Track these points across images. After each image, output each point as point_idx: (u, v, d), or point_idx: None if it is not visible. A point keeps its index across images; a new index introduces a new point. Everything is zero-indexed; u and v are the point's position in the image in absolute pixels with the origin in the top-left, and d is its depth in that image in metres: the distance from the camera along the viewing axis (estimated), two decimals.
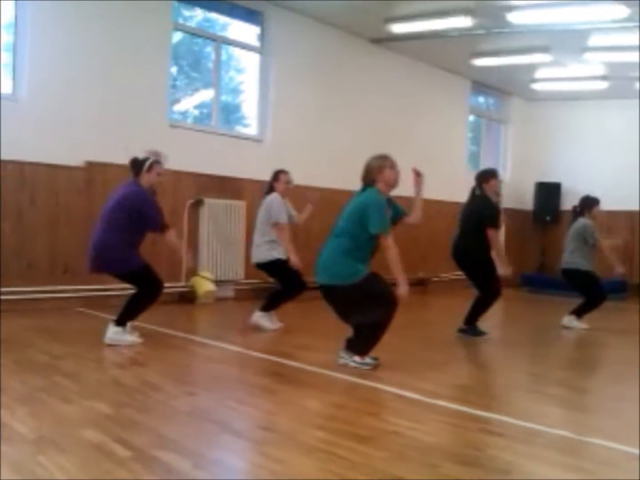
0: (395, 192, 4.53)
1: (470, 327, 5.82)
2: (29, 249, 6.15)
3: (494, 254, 5.74)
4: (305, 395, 3.62)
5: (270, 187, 5.94)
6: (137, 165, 4.85)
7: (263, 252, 5.76)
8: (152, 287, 4.85)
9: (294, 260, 5.64)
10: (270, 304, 5.76)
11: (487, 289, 5.79)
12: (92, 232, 4.84)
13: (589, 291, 6.79)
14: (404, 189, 4.70)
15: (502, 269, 5.77)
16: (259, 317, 5.72)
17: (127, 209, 4.72)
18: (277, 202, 5.77)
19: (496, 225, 5.74)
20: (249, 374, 4.21)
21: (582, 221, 6.89)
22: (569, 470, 2.60)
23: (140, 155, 4.86)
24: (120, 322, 4.80)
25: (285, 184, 5.91)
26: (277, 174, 5.97)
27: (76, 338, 4.96)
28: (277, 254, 5.72)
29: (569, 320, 6.73)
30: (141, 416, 3.08)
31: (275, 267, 5.77)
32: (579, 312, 6.74)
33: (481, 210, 5.76)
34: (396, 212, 4.60)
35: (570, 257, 6.85)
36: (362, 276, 4.21)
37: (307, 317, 6.66)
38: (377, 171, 4.36)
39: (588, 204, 7.03)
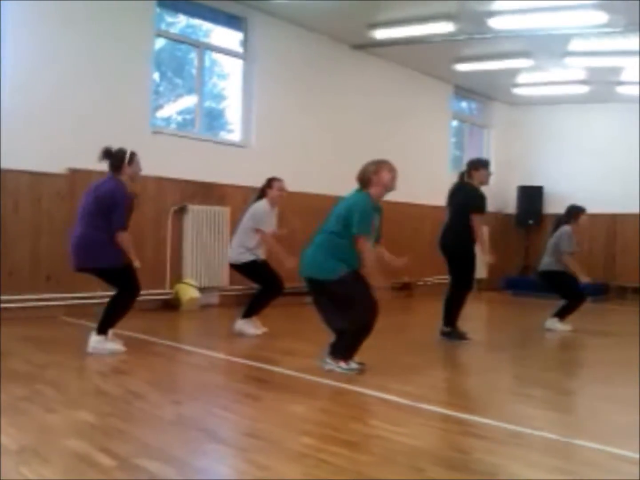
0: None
1: (453, 329, 5.84)
2: (11, 256, 6.08)
3: (477, 245, 5.76)
4: (291, 401, 3.61)
5: (261, 193, 5.92)
6: (116, 158, 4.75)
7: (239, 254, 5.76)
8: (130, 289, 4.78)
9: (289, 263, 5.51)
10: (251, 309, 5.76)
11: (461, 282, 5.78)
12: (72, 230, 4.78)
13: (568, 292, 6.86)
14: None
15: (486, 256, 5.80)
16: (242, 324, 5.72)
17: (106, 205, 4.63)
18: (262, 211, 5.76)
19: (481, 211, 5.75)
20: (233, 381, 4.20)
21: (565, 229, 6.98)
22: (554, 472, 2.62)
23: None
24: (101, 330, 4.74)
25: (278, 191, 5.89)
26: (271, 181, 5.94)
27: (59, 346, 4.92)
28: (252, 255, 5.72)
29: (551, 322, 6.78)
30: (125, 425, 3.05)
31: (251, 269, 5.77)
32: (561, 314, 6.80)
33: (468, 199, 5.78)
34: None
35: (549, 260, 6.93)
36: (342, 273, 4.18)
37: (290, 322, 6.66)
38: (373, 172, 4.33)
39: (575, 212, 7.15)
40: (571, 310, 6.83)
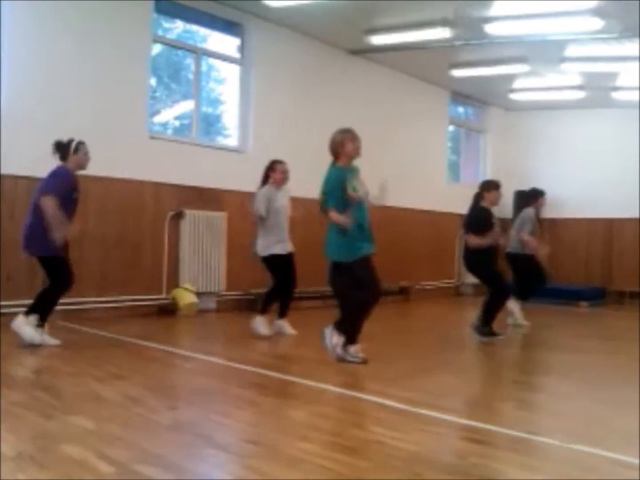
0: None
1: (485, 327, 6.06)
2: (9, 262, 6.06)
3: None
4: (290, 406, 3.60)
5: (265, 178, 5.96)
6: (62, 148, 4.98)
7: (260, 246, 5.85)
8: (61, 282, 4.96)
9: (290, 248, 5.81)
10: (265, 304, 5.89)
11: (494, 289, 6.04)
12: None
13: (525, 274, 7.30)
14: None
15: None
16: (258, 323, 5.79)
17: (44, 186, 4.88)
18: (261, 194, 5.85)
19: (480, 231, 6.00)
20: (232, 386, 4.18)
21: (526, 211, 7.38)
22: (553, 477, 2.61)
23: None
24: (31, 311, 4.93)
25: (282, 174, 5.94)
26: (273, 164, 6.00)
27: (55, 352, 4.89)
28: (274, 249, 5.82)
29: (513, 305, 7.13)
30: (123, 431, 3.04)
31: (271, 263, 5.86)
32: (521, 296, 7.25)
33: (470, 220, 6.17)
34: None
35: (514, 242, 7.32)
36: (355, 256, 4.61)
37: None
38: (339, 145, 4.65)
39: (534, 195, 7.50)
40: (524, 293, 7.27)
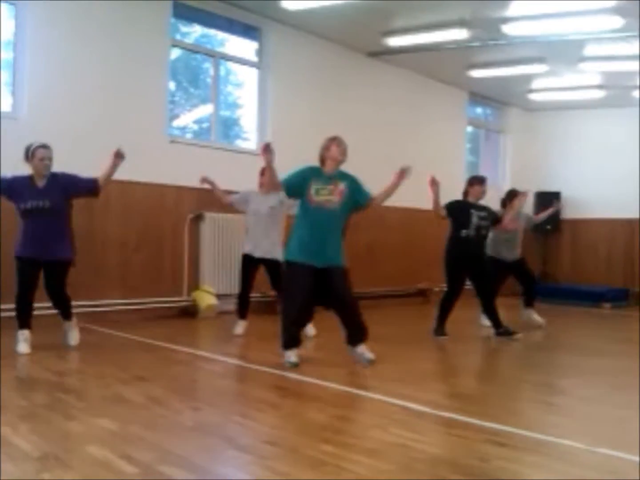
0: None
1: (502, 327, 6.26)
2: None
3: None
4: (310, 408, 3.60)
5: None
6: (25, 155, 5.01)
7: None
8: (18, 281, 4.96)
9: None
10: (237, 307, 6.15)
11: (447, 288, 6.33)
12: None
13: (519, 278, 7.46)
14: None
15: None
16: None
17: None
18: (242, 192, 6.14)
19: (462, 226, 6.16)
20: (252, 388, 4.20)
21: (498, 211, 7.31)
22: None
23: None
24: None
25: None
26: (263, 170, 6.07)
27: (78, 354, 4.95)
28: (244, 248, 6.04)
29: (528, 314, 7.34)
30: (146, 432, 3.06)
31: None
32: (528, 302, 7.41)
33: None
34: (361, 196, 4.95)
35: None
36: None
37: None
38: (325, 149, 4.82)
39: (509, 197, 7.35)
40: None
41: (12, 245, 5.88)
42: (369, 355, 4.66)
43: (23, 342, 4.86)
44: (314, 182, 4.69)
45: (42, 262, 4.95)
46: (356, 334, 4.72)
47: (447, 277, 6.29)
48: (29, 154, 4.96)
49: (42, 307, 6.12)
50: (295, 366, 4.53)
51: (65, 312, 5.17)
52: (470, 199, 6.33)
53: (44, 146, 4.98)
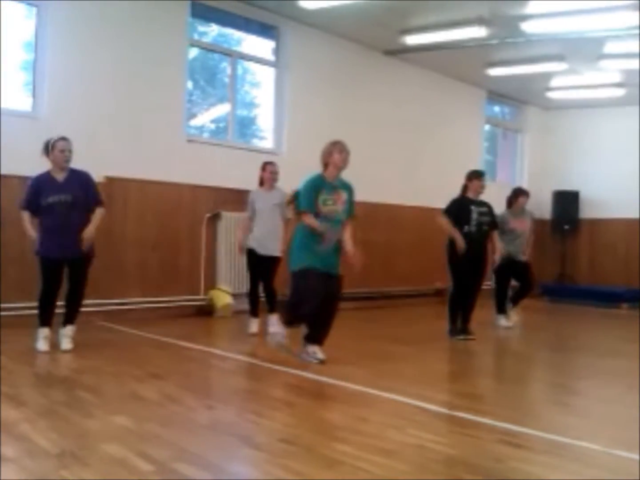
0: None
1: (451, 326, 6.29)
2: None
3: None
4: (325, 407, 3.61)
5: (260, 179, 6.20)
6: (44, 147, 5.01)
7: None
8: (42, 280, 4.93)
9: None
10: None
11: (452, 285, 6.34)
12: None
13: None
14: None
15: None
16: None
17: None
18: (249, 198, 6.12)
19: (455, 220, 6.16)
20: (267, 386, 4.21)
21: (502, 211, 7.36)
22: None
23: None
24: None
25: (270, 174, 6.11)
26: (264, 164, 6.22)
27: (96, 352, 4.99)
28: (250, 243, 6.03)
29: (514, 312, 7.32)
30: (162, 429, 3.09)
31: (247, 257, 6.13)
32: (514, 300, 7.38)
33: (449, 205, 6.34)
34: (352, 210, 4.91)
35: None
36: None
37: None
38: (327, 155, 4.78)
39: (513, 195, 7.42)
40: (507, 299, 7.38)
41: (13, 246, 5.97)
42: (321, 355, 4.73)
43: (43, 339, 4.89)
44: (321, 192, 4.70)
45: (66, 259, 4.95)
46: (322, 335, 4.80)
47: (451, 275, 6.29)
48: (49, 147, 4.97)
49: (61, 304, 6.20)
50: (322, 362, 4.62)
51: (74, 313, 5.08)
52: (470, 195, 6.31)
53: (64, 138, 5.00)
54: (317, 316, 4.70)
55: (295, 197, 4.79)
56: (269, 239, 5.95)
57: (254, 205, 6.04)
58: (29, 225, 4.94)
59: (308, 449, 2.88)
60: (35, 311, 4.97)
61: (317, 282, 4.55)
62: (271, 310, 6.10)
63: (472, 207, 6.20)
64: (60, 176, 4.98)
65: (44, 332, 4.92)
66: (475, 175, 6.40)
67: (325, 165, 4.80)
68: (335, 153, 4.75)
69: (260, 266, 6.04)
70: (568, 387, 4.54)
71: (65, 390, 3.75)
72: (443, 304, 6.43)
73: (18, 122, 5.97)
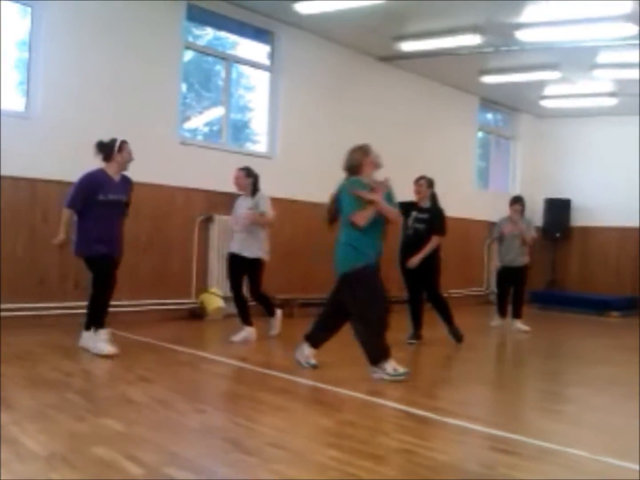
0: None
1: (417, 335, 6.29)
2: (41, 265, 6.18)
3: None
4: (316, 412, 3.60)
5: None
6: (104, 148, 4.97)
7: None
8: (101, 280, 4.94)
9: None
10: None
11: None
12: None
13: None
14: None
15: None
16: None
17: None
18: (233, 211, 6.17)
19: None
20: (258, 391, 4.20)
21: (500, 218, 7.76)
22: None
23: None
24: (87, 325, 4.97)
25: (234, 180, 6.14)
26: (238, 169, 6.19)
27: (86, 354, 4.96)
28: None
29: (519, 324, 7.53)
30: (152, 433, 3.08)
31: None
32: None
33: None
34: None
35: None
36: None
37: None
38: (365, 154, 4.66)
39: (510, 203, 7.72)
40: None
41: (12, 246, 5.95)
42: (314, 361, 4.70)
43: (108, 341, 4.92)
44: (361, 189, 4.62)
45: (114, 258, 5.02)
46: (324, 339, 4.76)
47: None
48: (114, 147, 4.97)
49: (55, 306, 6.18)
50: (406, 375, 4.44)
51: (105, 315, 5.06)
52: (416, 199, 6.37)
53: (127, 142, 5.05)
54: (334, 318, 4.67)
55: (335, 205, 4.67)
56: (245, 241, 5.93)
57: (235, 212, 6.13)
58: (66, 226, 4.90)
59: (298, 453, 2.88)
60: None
61: (379, 281, 4.55)
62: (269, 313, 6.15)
63: (413, 212, 6.26)
64: (116, 176, 5.03)
65: (106, 333, 4.95)
66: (414, 181, 6.46)
67: (360, 165, 4.65)
68: (370, 154, 4.69)
69: (239, 269, 5.98)
70: (558, 394, 4.56)
71: (55, 393, 3.73)
72: (433, 310, 6.43)
73: (10, 123, 5.94)
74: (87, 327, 4.98)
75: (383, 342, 4.48)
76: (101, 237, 4.91)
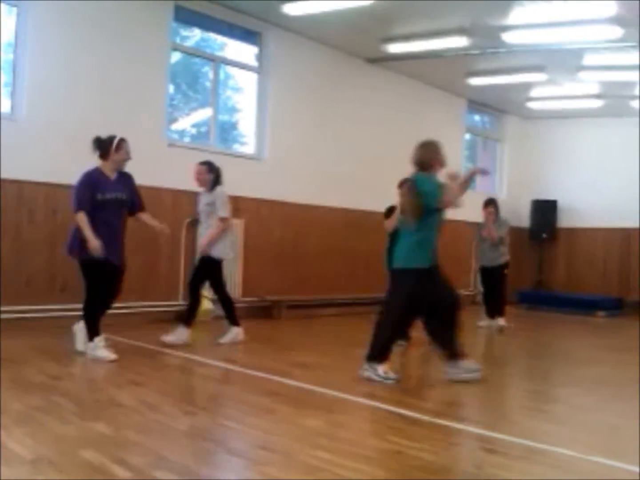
0: None
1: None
2: (27, 266, 6.13)
3: None
4: (305, 414, 3.59)
5: None
6: (102, 145, 4.83)
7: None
8: (94, 288, 4.75)
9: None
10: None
11: None
12: None
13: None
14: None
15: None
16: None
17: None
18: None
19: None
20: (247, 393, 4.19)
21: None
22: None
23: None
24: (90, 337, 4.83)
25: (195, 175, 5.97)
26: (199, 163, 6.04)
27: (73, 357, 4.93)
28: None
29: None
30: (139, 436, 3.05)
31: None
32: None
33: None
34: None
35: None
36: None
37: (304, 335, 6.64)
38: (436, 153, 4.60)
39: (483, 205, 7.91)
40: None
41: (7, 250, 5.90)
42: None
43: (107, 348, 4.83)
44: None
45: (113, 265, 4.80)
46: (451, 339, 4.67)
47: None
48: (112, 145, 4.82)
49: (42, 309, 6.13)
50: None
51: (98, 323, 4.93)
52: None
53: (126, 140, 4.91)
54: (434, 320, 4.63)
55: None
56: (201, 238, 5.86)
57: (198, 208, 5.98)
58: (89, 230, 4.65)
59: (287, 455, 2.87)
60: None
61: None
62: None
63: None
64: (112, 174, 4.89)
65: (102, 339, 4.83)
66: (398, 184, 6.45)
67: (431, 164, 4.58)
68: (441, 150, 4.62)
69: (202, 265, 5.87)
70: (546, 394, 4.58)
71: (42, 397, 3.70)
72: None
73: None
74: (90, 339, 4.83)
75: (389, 345, 4.51)
76: (101, 238, 4.68)
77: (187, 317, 5.77)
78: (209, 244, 5.70)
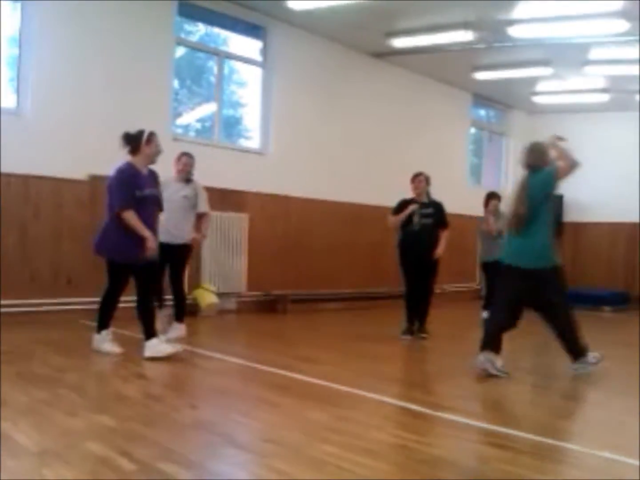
0: None
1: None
2: (33, 261, 6.15)
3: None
4: (311, 408, 3.59)
5: None
6: (132, 139, 4.70)
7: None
8: (141, 290, 4.71)
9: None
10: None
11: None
12: None
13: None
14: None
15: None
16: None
17: (109, 192, 4.67)
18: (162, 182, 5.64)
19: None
20: (252, 386, 4.19)
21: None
22: None
23: None
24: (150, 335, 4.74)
25: (183, 166, 5.87)
26: (179, 156, 5.94)
27: (79, 350, 4.94)
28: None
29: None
30: (145, 429, 3.06)
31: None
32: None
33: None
34: None
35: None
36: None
37: (308, 329, 6.64)
38: (546, 157, 4.79)
39: (485, 199, 7.75)
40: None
41: (4, 242, 5.90)
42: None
43: (112, 341, 4.83)
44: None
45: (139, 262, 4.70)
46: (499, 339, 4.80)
47: (401, 275, 6.40)
48: (142, 139, 4.69)
49: (47, 303, 6.14)
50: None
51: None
52: (414, 195, 6.42)
53: (155, 133, 4.79)
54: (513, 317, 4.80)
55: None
56: (172, 228, 5.60)
57: (164, 192, 5.55)
58: (140, 226, 4.55)
59: (293, 449, 2.87)
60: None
61: None
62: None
63: (414, 208, 6.30)
64: (144, 170, 4.76)
65: (109, 333, 4.85)
66: (412, 178, 6.49)
67: (544, 162, 4.83)
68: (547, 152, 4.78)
69: (166, 255, 5.54)
70: (553, 389, 4.56)
71: (48, 389, 3.71)
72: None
73: (2, 119, 5.89)
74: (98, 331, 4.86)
75: (580, 335, 4.71)
76: (138, 240, 4.56)
77: (178, 312, 5.77)
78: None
